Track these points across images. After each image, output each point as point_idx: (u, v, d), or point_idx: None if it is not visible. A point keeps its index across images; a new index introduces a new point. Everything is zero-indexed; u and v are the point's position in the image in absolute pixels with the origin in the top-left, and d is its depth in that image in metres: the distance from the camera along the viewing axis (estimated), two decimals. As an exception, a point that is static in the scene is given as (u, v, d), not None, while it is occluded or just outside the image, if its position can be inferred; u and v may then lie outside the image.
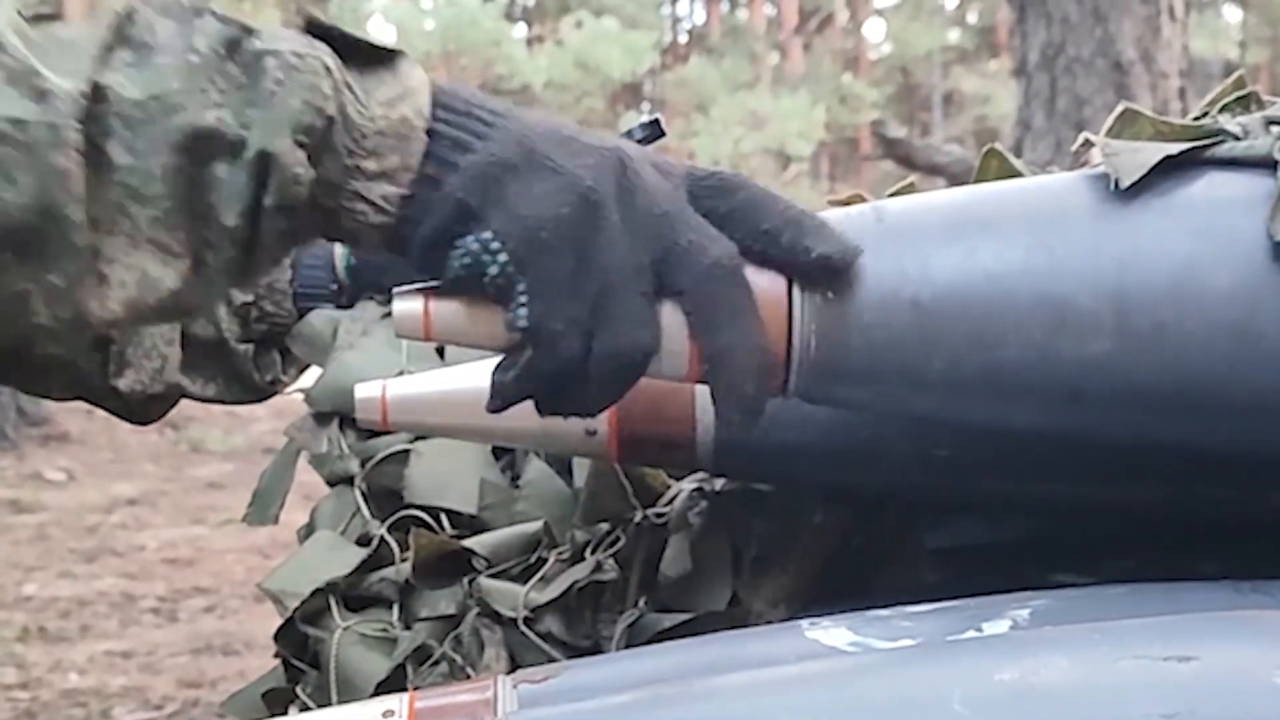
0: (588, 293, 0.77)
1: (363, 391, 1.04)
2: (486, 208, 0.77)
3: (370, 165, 0.77)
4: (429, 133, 0.78)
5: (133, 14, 0.76)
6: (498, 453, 1.31)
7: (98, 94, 0.73)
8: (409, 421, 1.05)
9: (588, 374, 0.79)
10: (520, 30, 22.91)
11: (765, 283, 0.81)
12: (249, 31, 0.77)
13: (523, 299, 0.77)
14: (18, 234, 0.72)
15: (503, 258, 0.77)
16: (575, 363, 0.79)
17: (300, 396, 1.36)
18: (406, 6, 19.59)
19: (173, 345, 1.25)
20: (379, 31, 20.78)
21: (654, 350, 0.79)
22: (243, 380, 1.30)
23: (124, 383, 1.18)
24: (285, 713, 1.19)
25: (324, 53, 0.77)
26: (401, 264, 0.86)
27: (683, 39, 26.85)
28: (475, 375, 0.98)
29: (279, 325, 1.41)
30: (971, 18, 24.94)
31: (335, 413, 1.33)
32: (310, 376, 1.34)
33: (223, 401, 1.31)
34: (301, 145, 0.75)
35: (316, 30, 0.79)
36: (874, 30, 26.45)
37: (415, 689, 0.78)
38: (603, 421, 0.99)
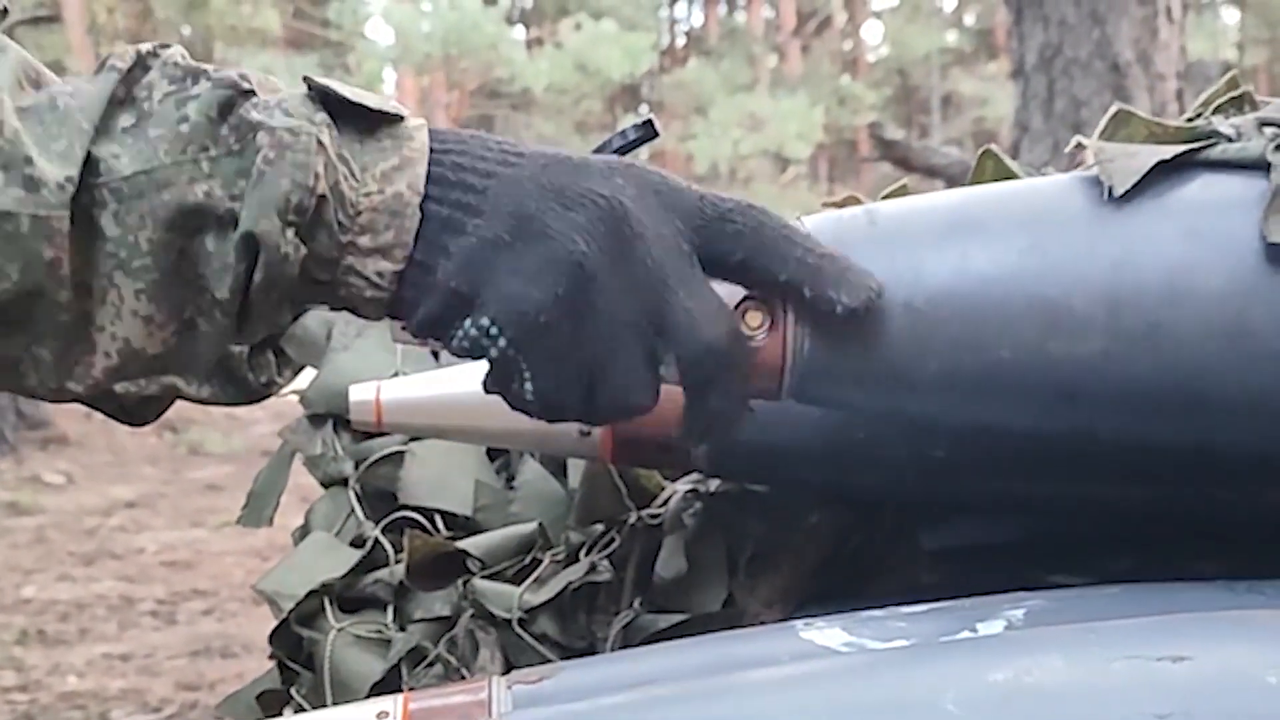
0: (588, 362, 0.78)
1: (357, 394, 1.04)
2: (481, 294, 0.76)
3: (365, 241, 0.77)
4: (422, 208, 0.77)
5: (135, 72, 0.78)
6: (492, 454, 1.31)
7: (91, 166, 0.74)
8: (403, 423, 1.05)
9: (590, 419, 0.82)
10: (520, 33, 22.91)
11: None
12: (245, 93, 0.77)
13: (526, 375, 0.78)
14: (6, 312, 0.74)
15: (502, 342, 0.77)
16: (578, 415, 0.81)
17: (297, 399, 1.36)
18: (407, 9, 19.56)
19: None
20: (379, 33, 20.80)
21: (653, 404, 0.81)
22: (238, 382, 1.27)
23: (119, 385, 1.17)
24: (280, 714, 1.19)
25: (320, 123, 0.76)
26: None
27: (681, 41, 26.86)
28: (470, 377, 0.98)
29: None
30: (969, 20, 24.94)
31: (330, 414, 1.33)
32: (305, 378, 1.33)
33: (218, 403, 1.28)
34: (291, 224, 0.75)
35: (317, 91, 0.78)
36: (872, 32, 26.44)
37: (410, 690, 0.78)
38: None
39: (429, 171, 0.78)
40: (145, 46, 0.79)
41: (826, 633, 0.78)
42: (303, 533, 1.33)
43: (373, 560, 1.25)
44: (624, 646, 1.05)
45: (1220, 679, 0.69)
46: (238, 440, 8.95)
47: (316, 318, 1.39)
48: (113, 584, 5.61)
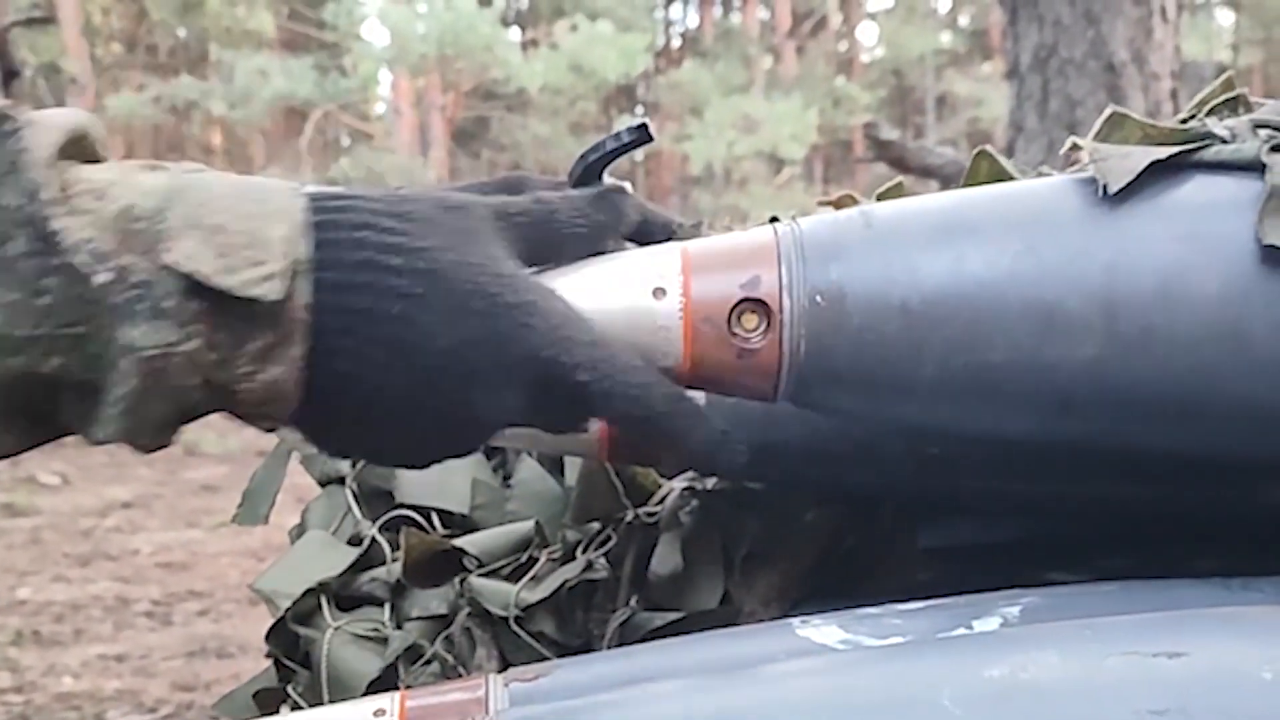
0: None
1: None
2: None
3: (247, 409, 0.74)
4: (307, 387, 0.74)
5: None
6: (489, 452, 1.31)
7: None
8: None
9: None
10: (515, 34, 22.90)
11: (760, 281, 0.82)
12: (119, 276, 0.68)
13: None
14: None
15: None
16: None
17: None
18: (402, 10, 19.57)
19: None
20: (374, 35, 20.79)
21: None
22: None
23: None
24: (277, 712, 1.19)
25: (190, 322, 0.70)
26: None
27: (676, 42, 26.86)
28: None
29: None
30: (964, 20, 24.96)
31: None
32: None
33: None
34: (170, 426, 0.73)
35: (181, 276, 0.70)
36: (867, 33, 26.45)
37: (407, 688, 0.78)
38: (594, 420, 0.99)
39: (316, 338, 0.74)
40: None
41: (823, 630, 0.79)
42: (299, 531, 1.34)
43: (369, 558, 1.25)
44: (620, 644, 1.05)
45: (1216, 675, 0.69)
46: (233, 441, 8.95)
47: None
48: (108, 585, 5.61)
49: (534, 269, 0.88)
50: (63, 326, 0.67)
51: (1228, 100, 0.94)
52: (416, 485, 1.28)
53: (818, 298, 0.81)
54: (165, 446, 0.74)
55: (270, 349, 0.72)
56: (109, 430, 0.70)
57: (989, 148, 1.06)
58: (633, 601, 1.09)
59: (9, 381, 0.68)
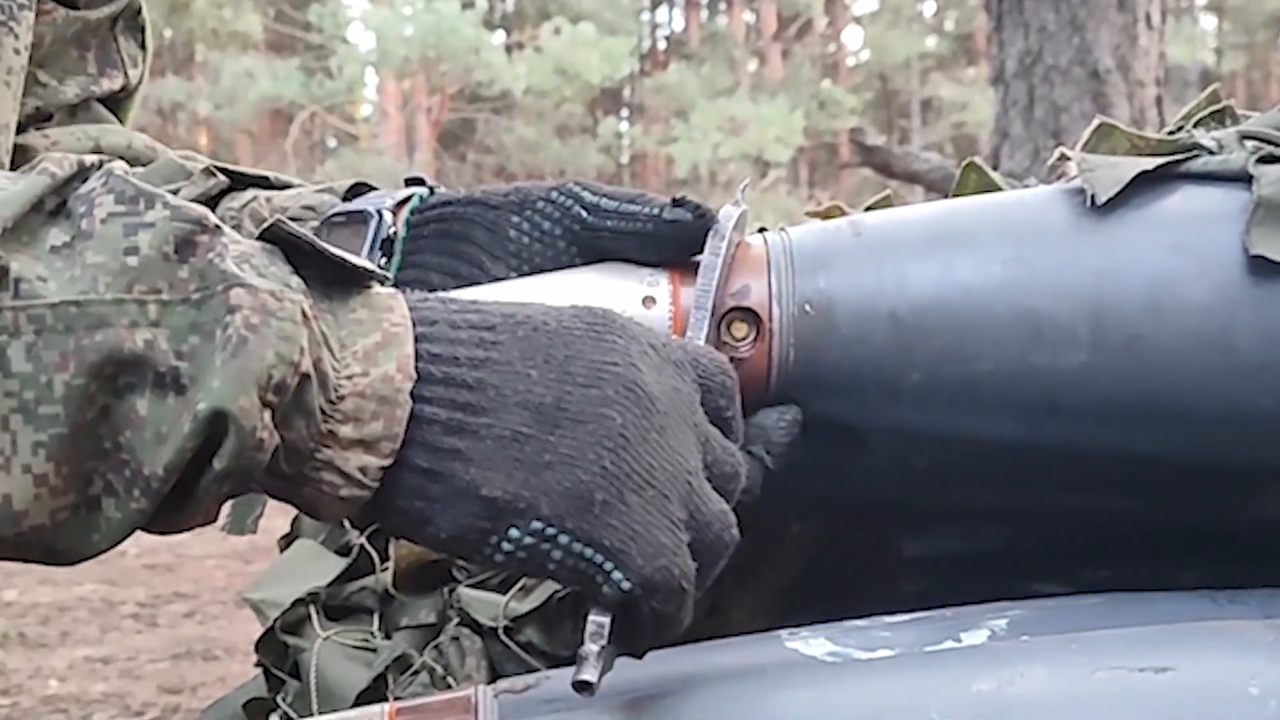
0: (675, 512, 0.69)
1: None
2: (525, 496, 0.67)
3: (347, 431, 0.66)
4: (414, 397, 0.67)
5: (74, 180, 0.66)
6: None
7: (8, 280, 0.61)
8: None
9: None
10: (500, 37, 22.89)
11: (750, 290, 0.82)
12: (208, 228, 0.64)
13: (609, 566, 0.68)
14: None
15: (564, 539, 0.67)
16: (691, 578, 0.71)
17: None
18: (386, 13, 19.57)
19: None
20: (360, 37, 20.78)
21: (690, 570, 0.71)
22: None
23: None
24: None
25: (297, 289, 0.65)
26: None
27: (662, 45, 26.86)
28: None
29: None
30: (949, 25, 24.97)
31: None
32: None
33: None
34: (269, 405, 0.63)
35: (283, 243, 0.67)
36: (852, 37, 26.44)
37: (396, 699, 0.78)
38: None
39: (420, 347, 0.68)
40: (90, 158, 0.67)
41: (811, 642, 0.79)
42: (289, 540, 1.33)
43: (358, 568, 1.25)
44: (609, 655, 1.05)
45: (1202, 689, 0.69)
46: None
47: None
48: (94, 587, 5.60)
49: (526, 272, 0.89)
50: (154, 291, 0.62)
51: (1214, 112, 0.94)
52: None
53: (807, 307, 0.82)
54: (226, 497, 0.66)
55: (377, 348, 0.67)
56: (213, 399, 0.61)
57: (978, 159, 1.06)
58: (621, 612, 1.08)
59: (88, 371, 0.61)
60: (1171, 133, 0.92)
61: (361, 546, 1.25)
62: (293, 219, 0.97)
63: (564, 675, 0.80)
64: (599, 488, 0.67)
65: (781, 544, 1.05)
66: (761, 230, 0.90)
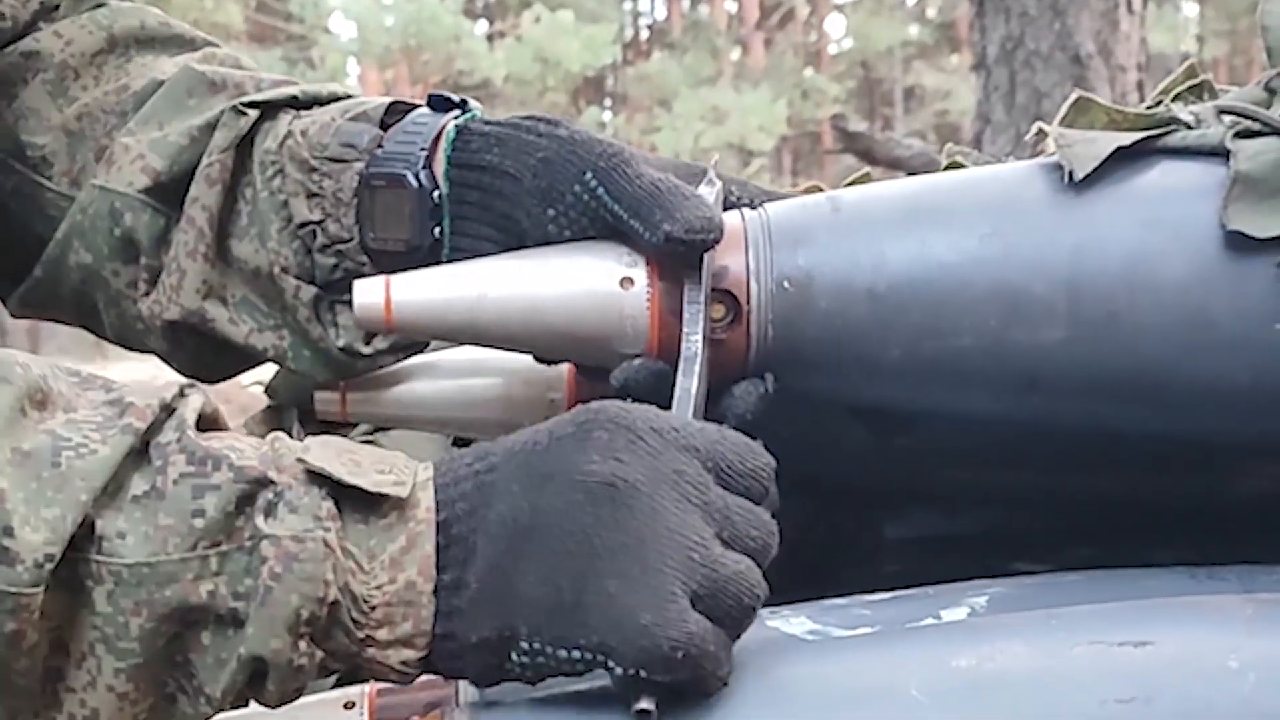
0: (670, 587, 0.69)
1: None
2: (510, 626, 0.70)
3: (383, 635, 0.71)
4: (436, 591, 0.71)
5: (154, 428, 0.71)
6: (458, 444, 1.30)
7: (91, 538, 0.68)
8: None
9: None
10: (481, 26, 22.87)
11: (728, 272, 0.82)
12: (264, 484, 0.70)
13: (600, 659, 0.70)
14: None
15: (550, 649, 0.70)
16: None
17: (259, 390, 1.35)
18: (367, 3, 19.53)
19: (195, 258, 0.98)
20: (341, 27, 20.76)
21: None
22: (306, 336, 0.99)
23: (146, 304, 1.01)
24: (247, 704, 1.18)
25: (327, 516, 0.70)
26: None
27: (644, 34, 26.85)
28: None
29: (354, 262, 0.97)
30: (931, 13, 24.96)
31: (294, 405, 1.33)
32: (269, 369, 1.30)
33: (284, 365, 1.03)
34: (303, 636, 0.69)
35: (317, 473, 0.71)
36: (835, 25, 26.44)
37: (377, 681, 0.78)
38: (561, 405, 0.99)
39: (440, 541, 0.72)
40: (168, 394, 0.73)
41: (792, 620, 0.78)
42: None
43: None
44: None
45: (1181, 664, 0.69)
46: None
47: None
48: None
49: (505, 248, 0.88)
50: (215, 545, 0.69)
51: (1192, 87, 0.94)
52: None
53: (785, 283, 0.82)
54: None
55: (402, 553, 0.71)
56: (251, 645, 0.69)
57: (960, 157, 1.06)
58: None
59: (160, 617, 0.69)
60: (1150, 108, 0.92)
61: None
62: (332, 159, 0.96)
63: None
64: (569, 590, 0.69)
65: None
66: (738, 205, 0.89)
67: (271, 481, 0.70)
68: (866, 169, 1.18)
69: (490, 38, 21.52)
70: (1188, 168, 0.82)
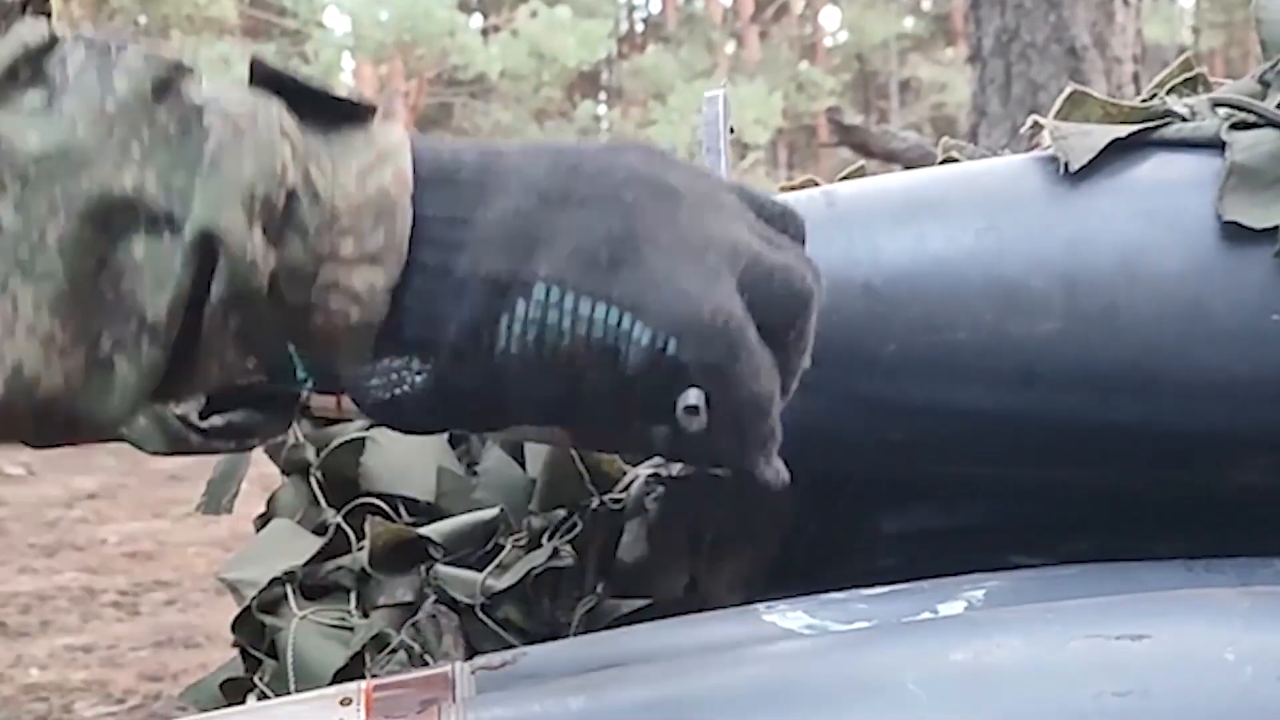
0: (712, 264, 0.64)
1: None
2: (527, 267, 0.63)
3: (348, 248, 0.63)
4: (414, 203, 0.64)
5: (48, 46, 0.62)
6: (454, 439, 1.31)
7: None
8: None
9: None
10: (476, 21, 22.85)
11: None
12: (183, 71, 0.62)
13: (626, 324, 0.62)
14: None
15: (570, 301, 0.63)
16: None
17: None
18: (361, -4, 19.52)
19: None
20: (335, 22, 20.74)
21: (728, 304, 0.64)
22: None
23: None
24: (244, 702, 1.18)
25: (278, 110, 0.62)
26: None
27: (639, 28, 26.84)
28: None
29: None
30: (927, 5, 24.97)
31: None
32: None
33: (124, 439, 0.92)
34: (257, 219, 0.60)
35: (265, 77, 0.64)
36: (830, 19, 26.42)
37: (373, 677, 0.78)
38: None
39: (419, 161, 0.64)
40: (63, 29, 0.63)
41: (789, 615, 0.79)
42: (264, 520, 1.33)
43: (335, 547, 1.24)
44: (587, 631, 1.05)
45: (1178, 657, 0.69)
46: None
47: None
48: (74, 575, 5.58)
49: None
50: (134, 132, 0.60)
51: (1187, 80, 0.94)
52: (382, 473, 1.27)
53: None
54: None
55: (371, 165, 0.63)
56: (197, 221, 0.59)
57: (955, 151, 1.06)
58: (599, 588, 1.08)
59: (81, 217, 0.59)
60: (1145, 100, 0.92)
61: (338, 526, 1.25)
62: None
63: (541, 651, 0.80)
64: (605, 248, 0.62)
65: (760, 518, 1.05)
66: None
67: (191, 70, 0.62)
68: (862, 162, 1.18)
69: (485, 32, 21.47)
70: (1183, 160, 0.83)
